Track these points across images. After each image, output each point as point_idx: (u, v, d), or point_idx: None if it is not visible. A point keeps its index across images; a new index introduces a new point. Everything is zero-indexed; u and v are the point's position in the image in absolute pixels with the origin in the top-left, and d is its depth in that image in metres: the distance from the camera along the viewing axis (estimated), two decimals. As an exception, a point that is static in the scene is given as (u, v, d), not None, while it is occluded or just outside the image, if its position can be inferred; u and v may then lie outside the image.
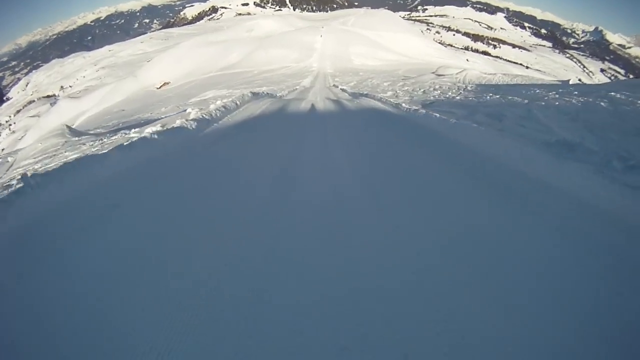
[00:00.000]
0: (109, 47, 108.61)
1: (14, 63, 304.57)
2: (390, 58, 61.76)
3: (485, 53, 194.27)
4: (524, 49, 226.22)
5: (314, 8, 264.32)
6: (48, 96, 76.44)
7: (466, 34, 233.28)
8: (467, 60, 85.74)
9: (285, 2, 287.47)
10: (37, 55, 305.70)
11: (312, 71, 50.39)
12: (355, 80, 33.68)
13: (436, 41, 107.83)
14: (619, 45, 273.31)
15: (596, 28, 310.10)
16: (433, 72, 30.46)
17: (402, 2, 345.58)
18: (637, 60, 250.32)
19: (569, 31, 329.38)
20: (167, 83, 57.34)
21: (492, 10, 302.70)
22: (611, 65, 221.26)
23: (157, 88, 54.86)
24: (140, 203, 3.46)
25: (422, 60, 61.85)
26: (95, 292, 2.13)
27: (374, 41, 69.63)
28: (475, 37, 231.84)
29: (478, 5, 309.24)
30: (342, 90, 23.07)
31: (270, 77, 43.49)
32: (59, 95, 71.29)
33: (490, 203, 3.45)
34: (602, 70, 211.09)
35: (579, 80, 72.09)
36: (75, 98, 54.13)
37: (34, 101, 75.63)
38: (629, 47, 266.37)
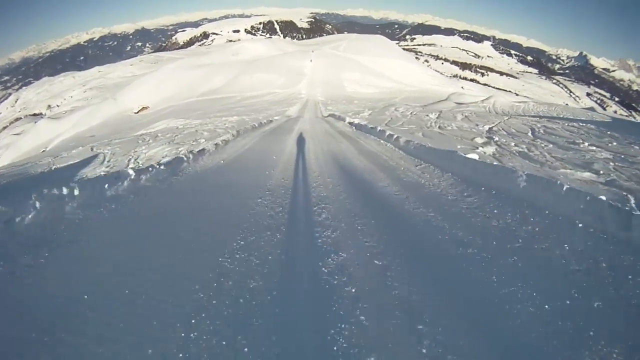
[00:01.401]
0: (98, 68, 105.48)
1: (6, 78, 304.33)
2: (385, 85, 57.36)
3: (473, 81, 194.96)
4: (512, 76, 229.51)
5: (304, 36, 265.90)
6: (35, 114, 74.87)
7: (454, 62, 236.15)
8: (462, 87, 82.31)
9: (276, 30, 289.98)
10: (29, 72, 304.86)
11: (300, 98, 45.32)
12: (360, 109, 27.42)
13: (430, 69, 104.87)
14: (604, 69, 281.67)
15: (580, 53, 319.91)
16: (444, 101, 25.43)
17: (390, 31, 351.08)
18: (621, 83, 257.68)
19: (554, 57, 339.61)
20: (146, 107, 54.60)
21: (479, 38, 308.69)
22: (597, 89, 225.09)
23: (135, 113, 52.12)
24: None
25: (420, 87, 57.63)
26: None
27: (367, 67, 65.51)
28: (464, 65, 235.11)
29: (465, 34, 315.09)
30: (349, 124, 16.98)
31: (254, 105, 38.24)
32: (45, 114, 70.14)
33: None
34: (588, 94, 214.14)
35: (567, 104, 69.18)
36: (55, 119, 51.95)
37: (20, 118, 73.75)
38: (613, 71, 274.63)
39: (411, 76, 67.67)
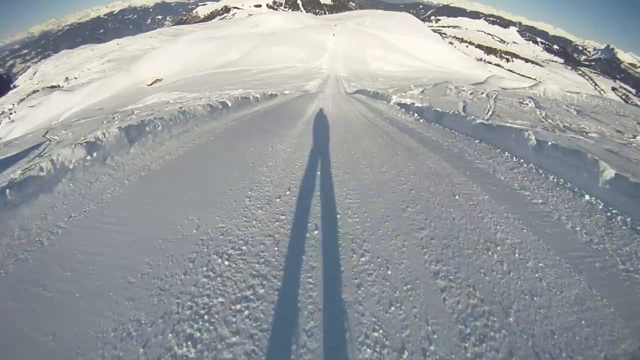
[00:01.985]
0: (117, 41, 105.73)
1: (25, 51, 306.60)
2: (411, 64, 54.01)
3: (498, 66, 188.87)
4: (537, 63, 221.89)
5: (327, 13, 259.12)
6: (52, 87, 73.64)
7: (479, 46, 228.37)
8: (490, 72, 78.32)
9: (298, 5, 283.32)
10: (48, 45, 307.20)
11: (320, 73, 42.51)
12: (405, 86, 23.41)
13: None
14: (630, 64, 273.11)
15: (608, 46, 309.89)
16: (482, 84, 22.58)
17: (415, 11, 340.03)
18: None
19: (580, 48, 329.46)
20: (160, 80, 54.25)
21: (505, 23, 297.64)
22: (622, 84, 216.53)
23: (149, 85, 51.83)
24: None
25: (448, 69, 54.21)
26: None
27: (392, 44, 61.87)
28: (488, 50, 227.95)
29: (491, 18, 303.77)
30: (401, 107, 10.79)
31: (270, 78, 35.78)
32: (62, 86, 69.56)
33: None
34: (613, 89, 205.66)
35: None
36: (68, 92, 51.03)
37: (38, 91, 72.24)
38: None
39: (437, 56, 63.87)
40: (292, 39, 63.12)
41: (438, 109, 8.52)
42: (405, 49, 61.49)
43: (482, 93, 15.30)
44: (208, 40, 69.71)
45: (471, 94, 15.12)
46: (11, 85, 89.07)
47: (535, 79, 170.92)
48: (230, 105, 8.94)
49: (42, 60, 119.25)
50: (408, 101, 11.59)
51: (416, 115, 9.11)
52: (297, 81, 31.88)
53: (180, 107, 7.04)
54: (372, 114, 9.85)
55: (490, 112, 10.18)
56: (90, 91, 49.35)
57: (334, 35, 65.27)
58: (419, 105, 10.09)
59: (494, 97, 13.81)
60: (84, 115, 32.81)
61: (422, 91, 17.02)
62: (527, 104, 12.29)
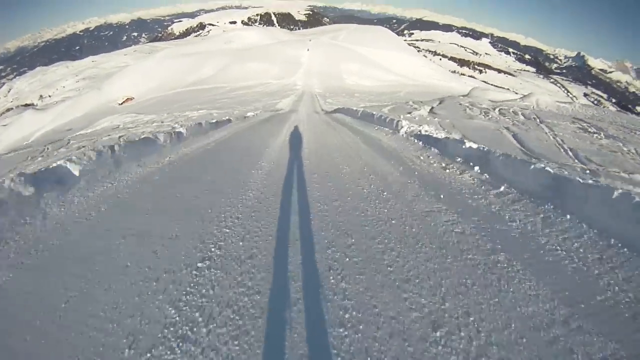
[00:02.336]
0: (92, 58, 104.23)
1: (0, 67, 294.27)
2: (387, 78, 53.58)
3: (471, 77, 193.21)
4: (509, 74, 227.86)
5: (301, 28, 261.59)
6: (26, 105, 72.33)
7: (452, 59, 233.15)
8: (465, 83, 79.18)
9: (273, 22, 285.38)
10: (24, 61, 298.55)
11: (295, 90, 41.37)
12: (408, 103, 21.43)
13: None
14: (601, 70, 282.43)
15: (578, 53, 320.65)
16: (466, 97, 21.60)
17: (388, 26, 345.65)
18: (618, 84, 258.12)
19: (551, 56, 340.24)
20: (131, 99, 52.60)
21: (477, 35, 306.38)
22: (594, 90, 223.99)
23: (119, 104, 49.90)
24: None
25: (425, 82, 54.03)
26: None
27: (367, 58, 61.57)
28: (462, 62, 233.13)
29: (463, 31, 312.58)
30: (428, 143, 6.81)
31: (242, 96, 34.39)
32: (36, 105, 68.72)
33: None
34: (585, 95, 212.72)
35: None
36: (40, 111, 49.12)
37: (12, 109, 70.40)
38: (610, 72, 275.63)
39: (413, 70, 63.90)
40: (265, 55, 62.13)
41: (481, 146, 5.37)
42: (381, 63, 61.22)
43: (513, 112, 13.53)
44: (181, 57, 68.21)
45: (500, 112, 13.39)
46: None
47: (508, 89, 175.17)
48: (181, 134, 7.23)
49: (17, 77, 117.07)
50: (423, 129, 7.73)
51: (459, 159, 5.36)
52: (271, 99, 30.61)
53: (121, 137, 5.49)
54: (380, 156, 6.06)
55: (565, 151, 7.38)
56: (61, 110, 47.23)
57: (308, 50, 64.62)
58: (445, 136, 6.82)
59: (534, 118, 11.77)
60: (47, 136, 30.89)
61: (431, 110, 14.10)
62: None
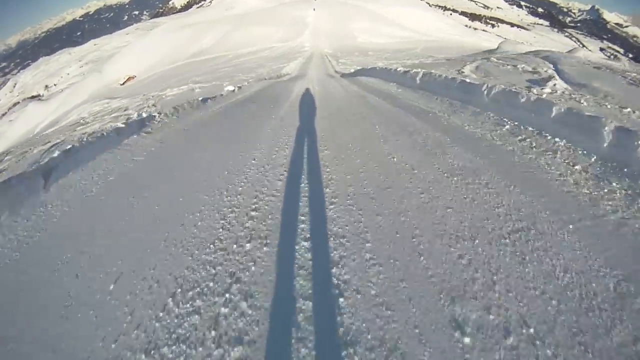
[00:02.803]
0: (94, 41, 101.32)
1: (4, 64, 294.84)
2: (401, 35, 50.05)
3: (484, 32, 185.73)
4: (523, 27, 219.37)
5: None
6: (32, 97, 70.04)
7: (463, 14, 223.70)
8: (481, 37, 74.97)
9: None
10: (27, 55, 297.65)
11: (303, 52, 38.57)
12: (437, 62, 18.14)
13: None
14: (616, 24, 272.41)
15: (593, 7, 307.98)
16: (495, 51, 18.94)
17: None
18: (634, 39, 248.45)
19: (565, 10, 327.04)
20: (132, 77, 50.39)
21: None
22: (610, 44, 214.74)
23: (121, 84, 47.84)
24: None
25: (441, 37, 50.47)
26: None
27: (379, 15, 57.65)
28: (473, 16, 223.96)
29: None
30: None
31: (245, 63, 31.92)
32: (43, 95, 67.16)
33: None
34: (601, 49, 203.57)
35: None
36: (43, 101, 47.51)
37: (19, 103, 68.96)
38: (626, 26, 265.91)
39: (427, 25, 59.80)
40: (269, 18, 58.85)
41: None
42: (392, 19, 57.36)
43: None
44: (180, 29, 65.39)
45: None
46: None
47: (523, 42, 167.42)
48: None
49: (21, 71, 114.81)
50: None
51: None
52: (276, 63, 27.97)
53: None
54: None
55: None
56: (64, 98, 45.41)
57: (314, 9, 60.85)
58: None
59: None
60: (53, 125, 29.30)
61: (477, 67, 9.91)
62: None
